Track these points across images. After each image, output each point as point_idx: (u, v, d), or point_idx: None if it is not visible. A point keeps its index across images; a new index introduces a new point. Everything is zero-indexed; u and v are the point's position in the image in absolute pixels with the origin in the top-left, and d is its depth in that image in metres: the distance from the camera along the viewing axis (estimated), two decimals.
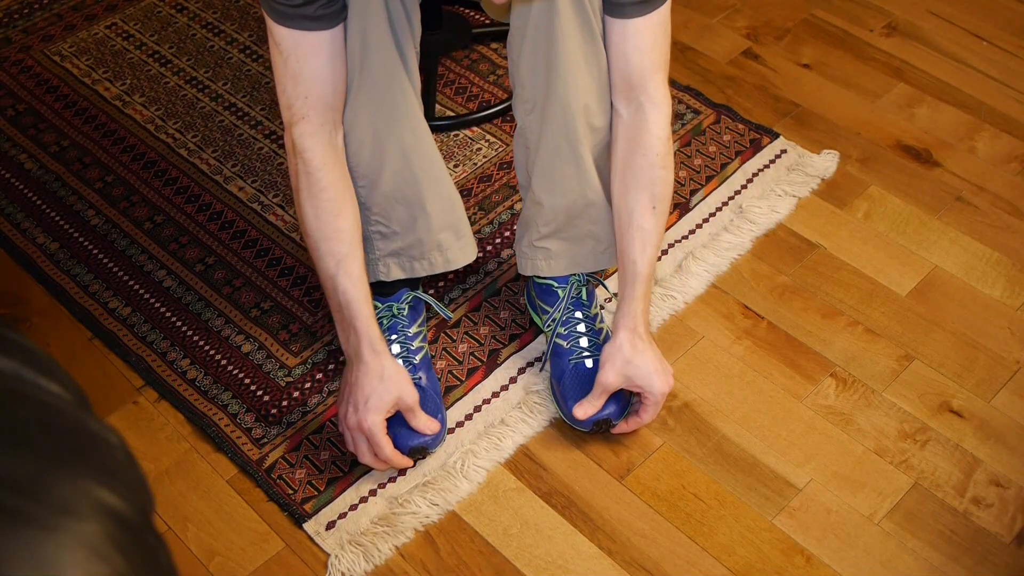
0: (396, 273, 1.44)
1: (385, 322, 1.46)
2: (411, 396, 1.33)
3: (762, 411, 1.49)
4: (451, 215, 1.42)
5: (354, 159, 1.34)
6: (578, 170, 1.38)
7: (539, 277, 1.50)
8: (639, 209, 1.34)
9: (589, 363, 1.45)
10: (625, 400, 1.43)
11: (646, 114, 1.33)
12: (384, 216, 1.39)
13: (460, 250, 1.45)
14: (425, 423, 1.36)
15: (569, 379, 1.44)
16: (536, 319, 1.54)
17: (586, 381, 1.43)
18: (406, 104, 1.33)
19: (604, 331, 1.49)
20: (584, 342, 1.46)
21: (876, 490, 1.40)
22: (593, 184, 1.40)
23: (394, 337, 1.45)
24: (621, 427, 1.42)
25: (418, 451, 1.39)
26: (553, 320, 1.48)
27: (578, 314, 1.47)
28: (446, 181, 1.40)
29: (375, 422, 1.30)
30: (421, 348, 1.47)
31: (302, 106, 1.26)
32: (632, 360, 1.34)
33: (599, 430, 1.42)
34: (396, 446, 1.38)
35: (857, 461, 1.43)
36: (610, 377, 1.36)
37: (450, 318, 1.57)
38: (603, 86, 1.35)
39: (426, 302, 1.52)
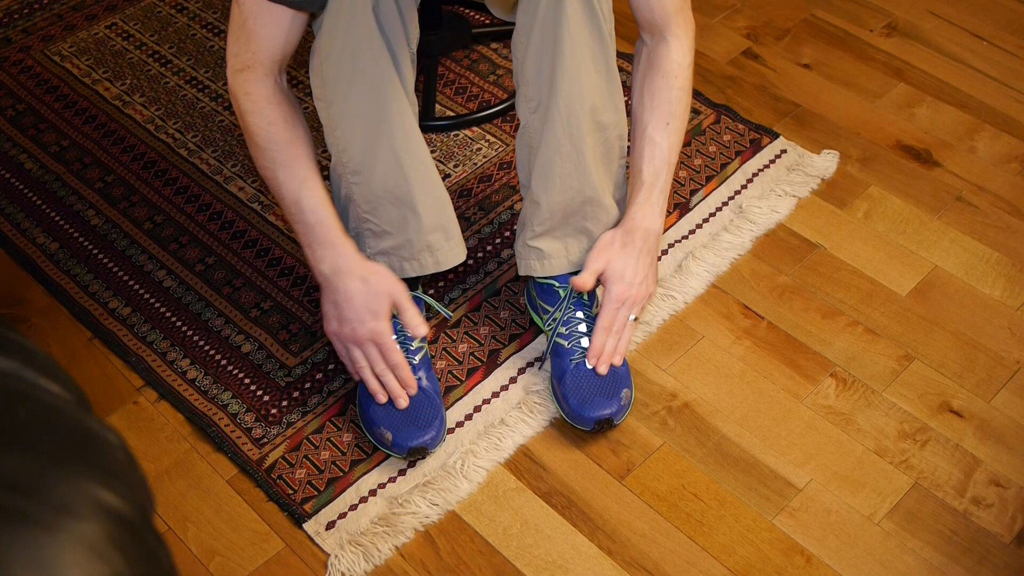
0: None
1: None
2: (400, 291, 1.36)
3: (762, 411, 1.49)
4: (441, 216, 1.42)
5: (346, 155, 1.35)
6: (577, 167, 1.38)
7: (539, 277, 1.50)
8: (653, 123, 1.40)
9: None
10: (627, 400, 1.44)
11: (668, 43, 1.40)
12: (374, 214, 1.39)
13: (450, 251, 1.45)
14: (416, 319, 1.37)
15: (569, 379, 1.44)
16: (536, 319, 1.54)
17: (587, 381, 1.43)
18: (398, 105, 1.33)
19: None
20: (585, 342, 1.46)
21: (876, 490, 1.40)
22: (592, 182, 1.40)
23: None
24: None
25: (418, 451, 1.39)
26: (554, 320, 1.48)
27: (579, 314, 1.47)
28: (437, 182, 1.41)
29: (382, 328, 1.35)
30: (421, 348, 1.47)
31: (249, 59, 1.30)
32: (613, 255, 1.41)
33: (600, 429, 1.42)
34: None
35: (857, 461, 1.43)
36: (595, 256, 1.41)
37: (450, 318, 1.57)
38: (611, 83, 1.36)
39: (426, 302, 1.52)
